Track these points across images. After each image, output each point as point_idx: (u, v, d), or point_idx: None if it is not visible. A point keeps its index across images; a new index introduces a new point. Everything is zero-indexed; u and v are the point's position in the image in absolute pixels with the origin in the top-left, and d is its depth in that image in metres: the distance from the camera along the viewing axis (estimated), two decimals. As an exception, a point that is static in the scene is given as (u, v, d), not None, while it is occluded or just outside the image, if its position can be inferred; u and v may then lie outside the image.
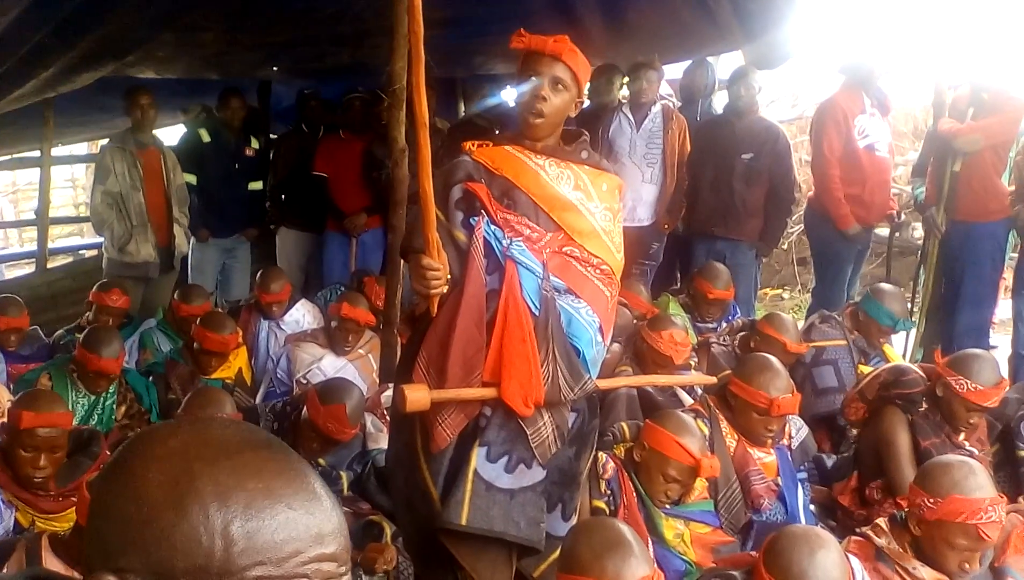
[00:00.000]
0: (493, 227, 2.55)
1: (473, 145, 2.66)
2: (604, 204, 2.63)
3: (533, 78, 2.55)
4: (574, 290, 2.58)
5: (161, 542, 0.77)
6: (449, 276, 2.51)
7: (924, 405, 3.46)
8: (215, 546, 0.77)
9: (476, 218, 2.55)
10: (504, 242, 2.53)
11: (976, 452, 3.39)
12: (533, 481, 2.54)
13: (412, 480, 2.60)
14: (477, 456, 2.49)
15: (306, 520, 0.81)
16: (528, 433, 2.51)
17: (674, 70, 6.69)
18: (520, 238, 2.54)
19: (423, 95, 2.36)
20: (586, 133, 2.77)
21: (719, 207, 5.67)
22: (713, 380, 3.44)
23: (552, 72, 2.54)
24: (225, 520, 0.78)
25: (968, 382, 3.33)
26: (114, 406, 3.93)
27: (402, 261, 4.24)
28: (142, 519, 0.78)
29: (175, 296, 5.03)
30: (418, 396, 2.42)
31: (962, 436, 3.44)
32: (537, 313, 2.51)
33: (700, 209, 5.76)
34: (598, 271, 2.61)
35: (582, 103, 2.70)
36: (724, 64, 6.87)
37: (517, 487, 2.52)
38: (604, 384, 2.86)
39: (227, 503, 0.78)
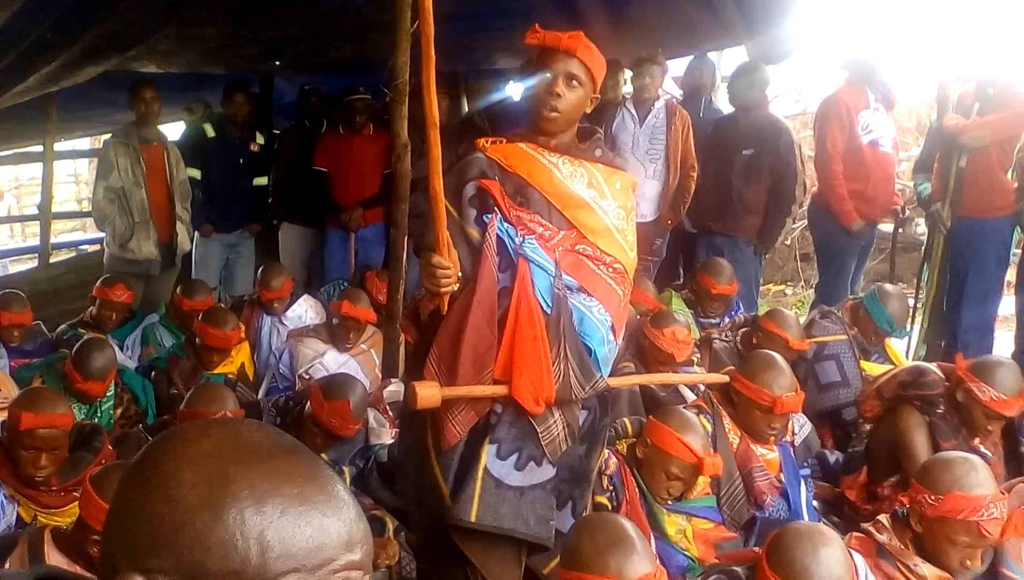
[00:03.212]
0: (506, 225, 2.54)
1: (487, 142, 2.64)
2: (617, 202, 2.62)
3: (547, 73, 2.53)
4: (586, 289, 2.57)
5: (194, 544, 0.77)
6: (460, 273, 2.50)
7: (942, 407, 3.41)
8: (250, 551, 0.77)
9: (489, 215, 2.54)
10: (517, 240, 2.52)
11: (990, 455, 3.34)
12: (543, 479, 2.54)
13: (423, 476, 2.60)
14: (487, 453, 2.49)
15: (338, 527, 0.80)
16: (539, 431, 2.51)
17: (676, 67, 6.67)
18: (533, 236, 2.53)
19: (434, 95, 2.33)
20: (600, 131, 2.75)
21: (718, 202, 5.65)
22: (725, 379, 3.41)
23: (566, 68, 2.52)
24: (261, 525, 0.77)
25: (991, 390, 3.28)
26: (111, 410, 3.88)
27: (405, 256, 4.27)
28: (175, 520, 0.77)
29: (177, 291, 5.02)
30: (429, 393, 2.42)
31: (977, 440, 3.40)
32: (549, 311, 2.50)
33: (700, 204, 5.74)
34: (611, 270, 2.60)
35: (597, 100, 2.67)
36: (727, 60, 6.85)
37: (527, 485, 2.51)
38: (615, 382, 2.85)
39: (263, 508, 0.78)
